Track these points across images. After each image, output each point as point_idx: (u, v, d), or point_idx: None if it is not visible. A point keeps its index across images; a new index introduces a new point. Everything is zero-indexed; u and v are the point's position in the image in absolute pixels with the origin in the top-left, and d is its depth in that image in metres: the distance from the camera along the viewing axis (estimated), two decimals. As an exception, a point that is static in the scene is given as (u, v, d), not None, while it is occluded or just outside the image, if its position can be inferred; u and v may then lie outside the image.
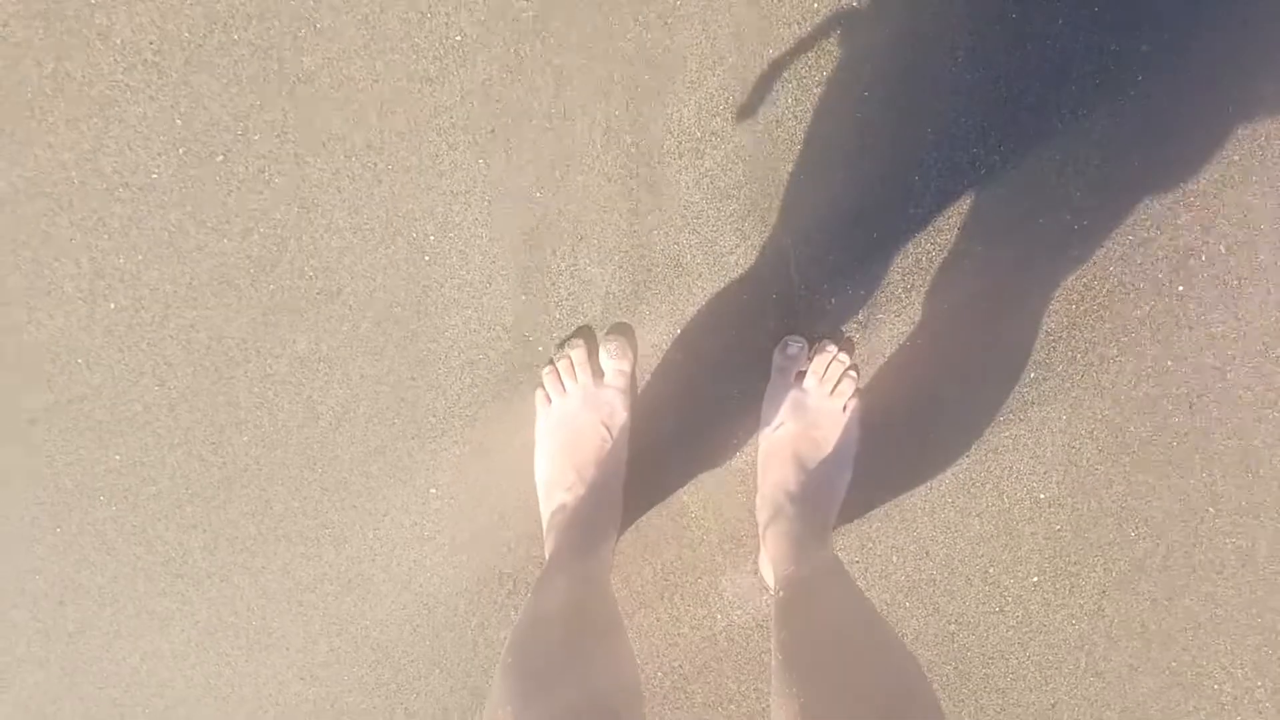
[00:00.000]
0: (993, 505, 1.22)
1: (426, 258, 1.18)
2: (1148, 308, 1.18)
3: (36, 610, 1.28)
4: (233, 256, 1.18)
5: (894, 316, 1.19)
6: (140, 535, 1.25)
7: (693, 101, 1.15)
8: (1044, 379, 1.19)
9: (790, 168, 1.16)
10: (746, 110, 1.15)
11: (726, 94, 1.15)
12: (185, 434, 1.22)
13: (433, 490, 1.23)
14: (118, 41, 1.13)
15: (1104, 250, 1.17)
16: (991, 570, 1.23)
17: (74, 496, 1.24)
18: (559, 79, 1.15)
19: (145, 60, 1.14)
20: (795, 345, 1.19)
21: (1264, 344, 1.18)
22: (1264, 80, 1.13)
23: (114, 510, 1.24)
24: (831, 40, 1.14)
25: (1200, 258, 1.16)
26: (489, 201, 1.17)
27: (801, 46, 1.14)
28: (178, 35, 1.13)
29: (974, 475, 1.21)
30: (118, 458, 1.22)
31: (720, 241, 1.18)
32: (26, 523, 1.25)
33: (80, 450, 1.22)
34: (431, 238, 1.18)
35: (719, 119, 1.15)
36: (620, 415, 1.19)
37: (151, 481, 1.23)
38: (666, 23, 1.14)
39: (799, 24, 1.14)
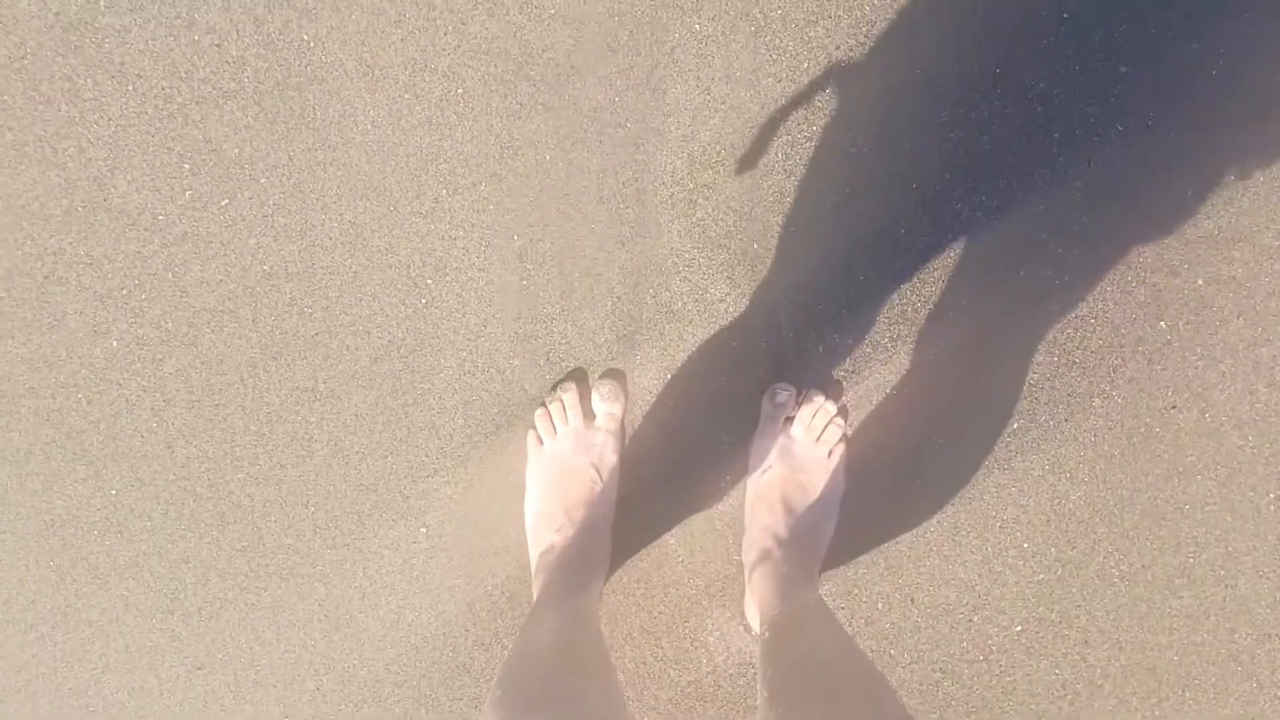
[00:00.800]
0: (977, 553, 1.23)
1: (423, 300, 1.21)
2: (1128, 359, 1.20)
3: (26, 641, 1.28)
4: (234, 294, 1.20)
5: (880, 365, 1.22)
6: (132, 569, 1.26)
7: (685, 154, 1.19)
8: (1027, 429, 1.21)
9: (780, 219, 1.19)
10: (738, 163, 1.19)
11: (718, 147, 1.18)
12: (180, 469, 1.23)
13: (423, 530, 1.24)
14: (131, 86, 1.17)
15: (1085, 303, 1.20)
16: (976, 618, 1.24)
17: (68, 528, 1.25)
18: (556, 129, 1.18)
19: (156, 106, 1.17)
20: (784, 393, 1.21)
21: (1247, 387, 1.20)
22: (1237, 132, 1.17)
23: (107, 543, 1.25)
24: (821, 96, 1.18)
25: (1180, 306, 1.19)
26: (486, 246, 1.20)
27: (792, 103, 1.18)
28: (191, 76, 1.17)
29: (959, 523, 1.23)
30: (113, 492, 1.24)
31: (711, 289, 1.21)
32: (19, 553, 1.26)
33: (75, 483, 1.24)
34: (429, 280, 1.20)
35: (711, 171, 1.19)
36: (610, 458, 1.20)
37: (145, 515, 1.24)
38: (661, 77, 1.18)
39: (789, 81, 1.18)
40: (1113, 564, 1.23)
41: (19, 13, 1.15)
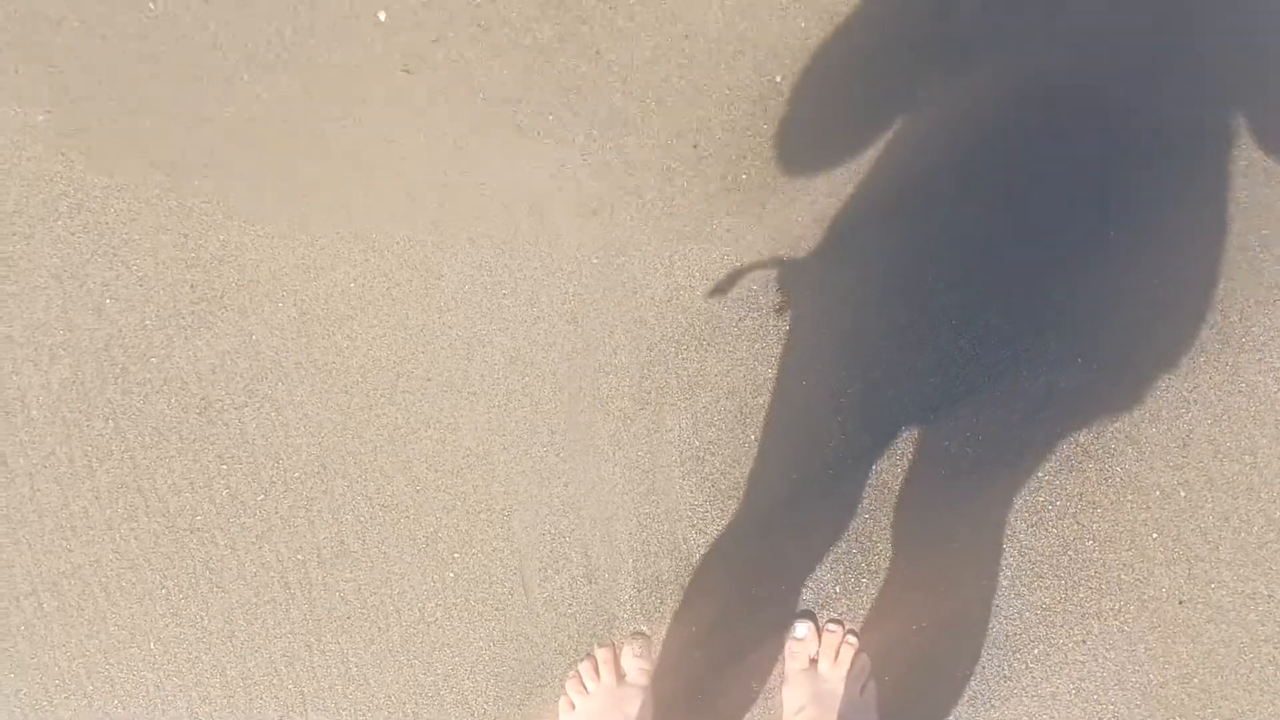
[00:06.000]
0: (1019, 785, 1.23)
1: (451, 573, 1.26)
2: (1131, 572, 1.25)
3: None
4: (268, 585, 1.25)
5: (895, 603, 1.26)
6: None
7: (690, 414, 1.28)
8: (1048, 653, 1.24)
9: (783, 468, 1.27)
10: (738, 418, 1.28)
11: (719, 407, 1.28)
12: (215, 769, 1.23)
13: (461, 815, 1.23)
14: (174, 397, 1.27)
15: (1079, 524, 1.26)
16: None
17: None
18: (569, 399, 1.28)
19: (197, 412, 1.27)
20: (803, 627, 1.24)
21: (1252, 588, 1.24)
22: (1188, 342, 1.28)
23: None
24: (808, 357, 1.29)
25: (1171, 514, 1.25)
26: (508, 515, 1.26)
27: (780, 389, 1.29)
28: (229, 382, 1.27)
29: (996, 755, 1.23)
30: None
31: (724, 538, 1.27)
32: None
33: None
34: (456, 554, 1.26)
35: (714, 429, 1.28)
36: (643, 715, 1.21)
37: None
38: (664, 345, 1.29)
39: (775, 342, 1.29)
40: (1156, 784, 1.22)
41: (74, 340, 1.27)
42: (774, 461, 1.27)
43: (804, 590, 1.26)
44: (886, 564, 1.26)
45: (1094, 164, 1.31)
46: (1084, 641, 1.24)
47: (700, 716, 1.25)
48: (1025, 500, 1.26)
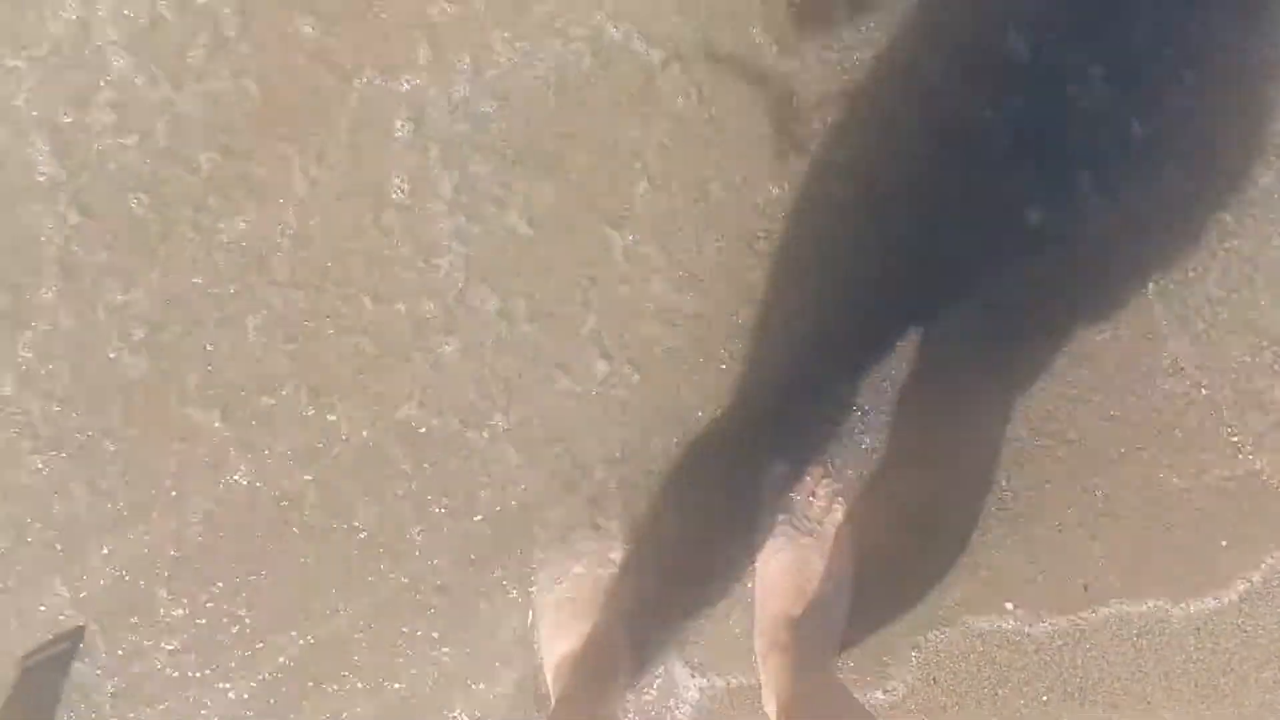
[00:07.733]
0: (992, 626, 1.24)
1: (423, 428, 1.24)
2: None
3: None
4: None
5: (884, 444, 1.25)
6: None
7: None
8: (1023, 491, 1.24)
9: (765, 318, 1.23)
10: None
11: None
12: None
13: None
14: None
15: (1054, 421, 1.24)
16: (1001, 691, 1.25)
17: None
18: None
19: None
20: (781, 467, 1.23)
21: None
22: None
23: None
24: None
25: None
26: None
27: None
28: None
29: (970, 596, 1.24)
30: None
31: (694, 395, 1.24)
32: None
33: None
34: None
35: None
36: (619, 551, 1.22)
37: None
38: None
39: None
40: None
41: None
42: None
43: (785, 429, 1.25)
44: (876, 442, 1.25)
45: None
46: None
47: (677, 562, 1.25)
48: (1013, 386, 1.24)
